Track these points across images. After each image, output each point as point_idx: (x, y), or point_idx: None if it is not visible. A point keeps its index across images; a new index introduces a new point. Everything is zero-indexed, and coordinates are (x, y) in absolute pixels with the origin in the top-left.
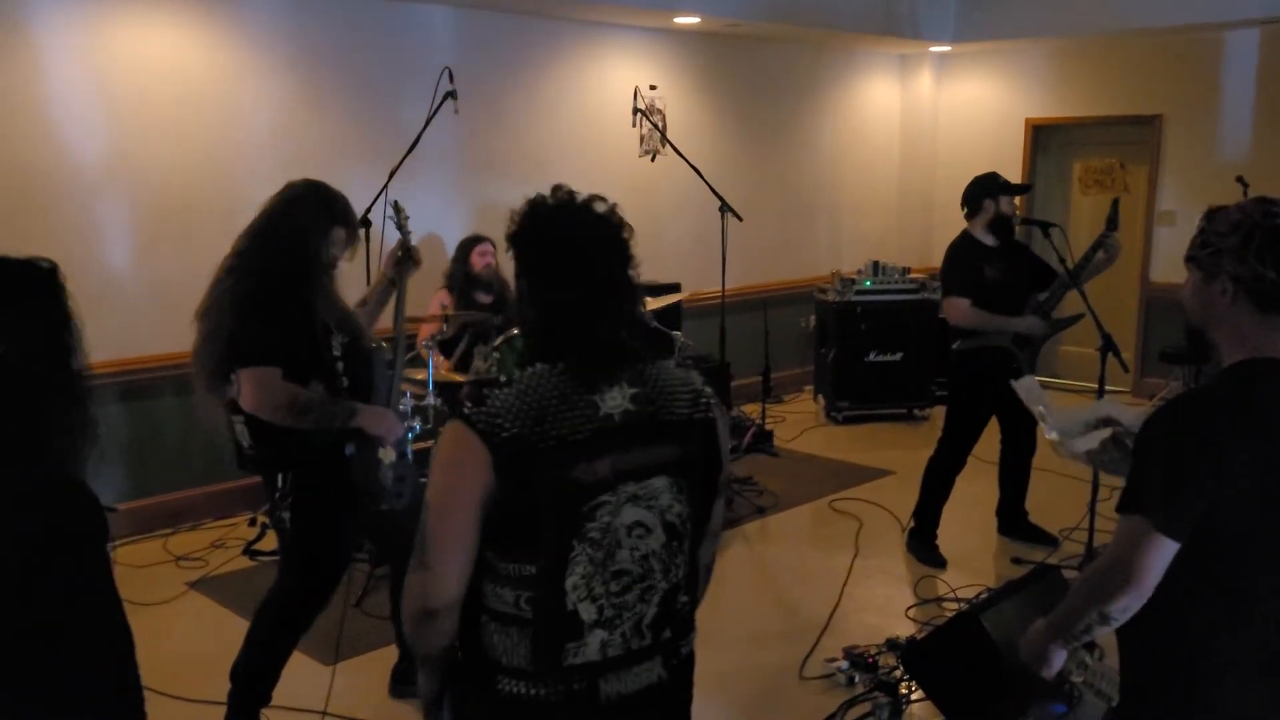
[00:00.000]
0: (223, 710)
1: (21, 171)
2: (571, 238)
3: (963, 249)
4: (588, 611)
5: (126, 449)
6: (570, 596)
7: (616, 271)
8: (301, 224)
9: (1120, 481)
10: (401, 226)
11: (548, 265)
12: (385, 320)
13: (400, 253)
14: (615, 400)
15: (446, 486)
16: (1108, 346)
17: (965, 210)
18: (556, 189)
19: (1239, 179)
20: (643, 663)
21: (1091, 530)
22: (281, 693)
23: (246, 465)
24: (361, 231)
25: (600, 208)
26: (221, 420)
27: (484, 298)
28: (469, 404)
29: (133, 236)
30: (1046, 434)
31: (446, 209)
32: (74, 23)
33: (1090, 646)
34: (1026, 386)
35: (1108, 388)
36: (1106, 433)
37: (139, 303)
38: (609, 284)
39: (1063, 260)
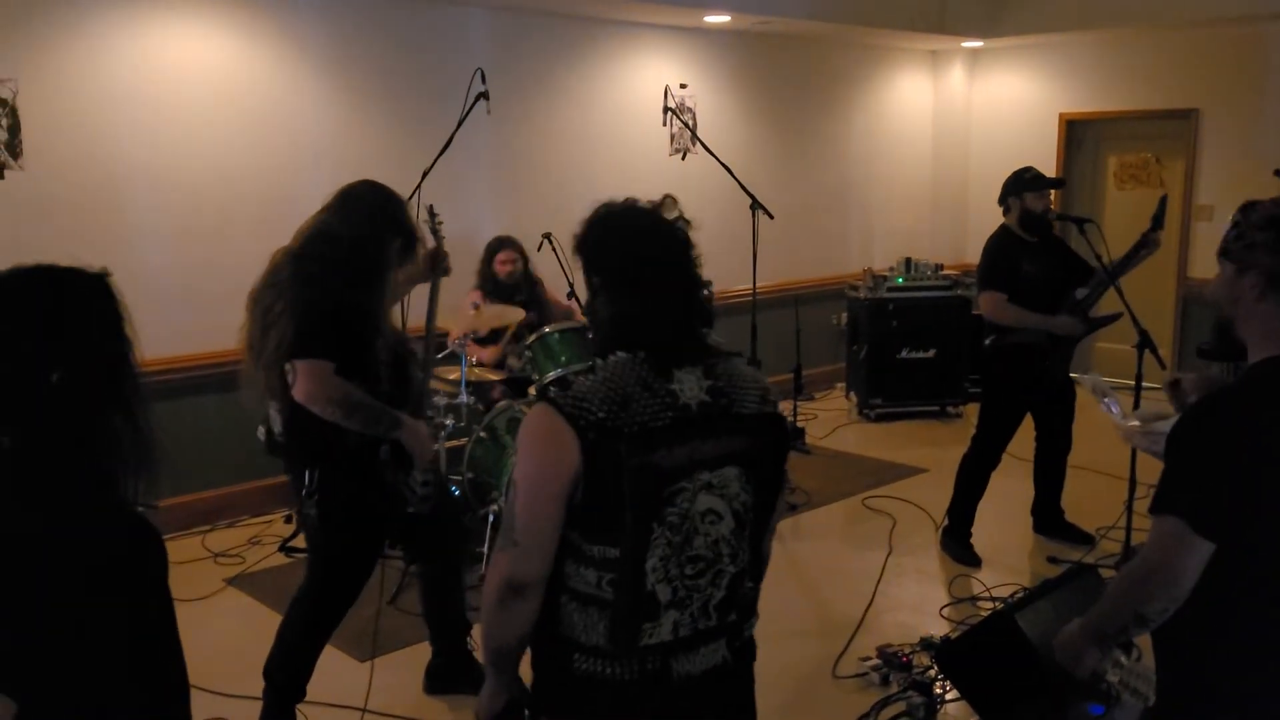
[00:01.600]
0: (259, 706)
1: (58, 174)
2: (643, 236)
3: (1000, 243)
4: (664, 593)
5: (165, 447)
6: (650, 578)
7: (685, 266)
8: (365, 230)
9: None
10: (436, 231)
11: (622, 261)
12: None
13: (433, 257)
14: (692, 391)
15: (536, 467)
16: (1144, 343)
17: (1003, 207)
18: (625, 200)
19: (1277, 172)
20: (709, 643)
21: (1129, 529)
22: (318, 689)
23: (275, 451)
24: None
25: (669, 215)
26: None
27: (516, 302)
28: (554, 389)
29: (169, 237)
30: (1114, 420)
31: (479, 209)
32: (113, 26)
33: (1128, 646)
34: (1091, 381)
35: (1145, 384)
36: (1166, 425)
37: (176, 302)
38: (679, 278)
39: (1098, 256)
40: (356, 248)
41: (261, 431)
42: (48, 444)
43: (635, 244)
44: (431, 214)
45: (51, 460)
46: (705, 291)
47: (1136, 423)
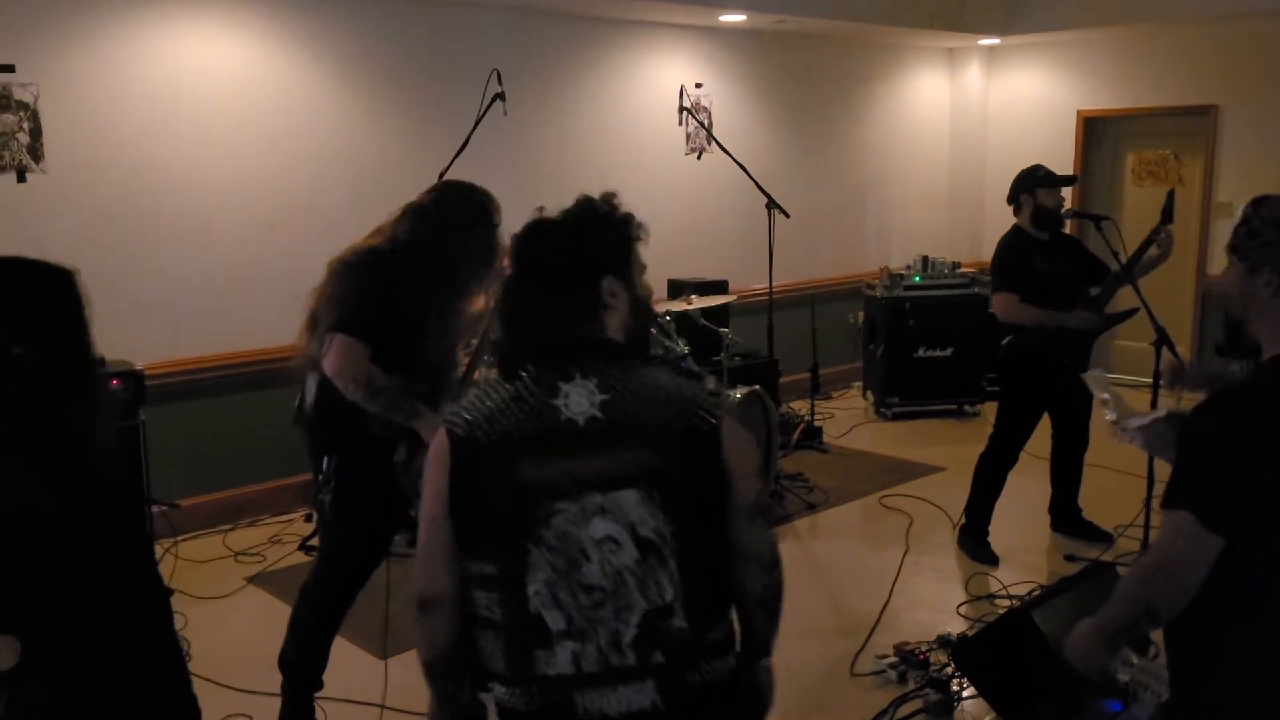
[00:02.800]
0: (280, 703)
1: (79, 177)
2: (535, 236)
3: (1013, 243)
4: (554, 619)
5: (187, 447)
6: (533, 601)
7: (577, 270)
8: (455, 242)
9: None
10: None
11: (514, 264)
12: None
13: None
14: (580, 405)
15: (426, 480)
16: (1162, 340)
17: (1012, 207)
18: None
19: None
20: (629, 683)
21: (1147, 527)
22: (338, 686)
23: (300, 423)
24: None
25: (598, 204)
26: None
27: None
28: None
29: (190, 239)
30: (1106, 415)
31: None
32: (133, 30)
33: (1144, 645)
34: (1095, 377)
35: (1163, 382)
36: (1162, 412)
37: (196, 303)
38: (554, 285)
39: (1115, 253)
40: (441, 254)
41: (297, 399)
42: (16, 422)
43: (525, 246)
44: None
45: (23, 442)
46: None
47: (1112, 416)
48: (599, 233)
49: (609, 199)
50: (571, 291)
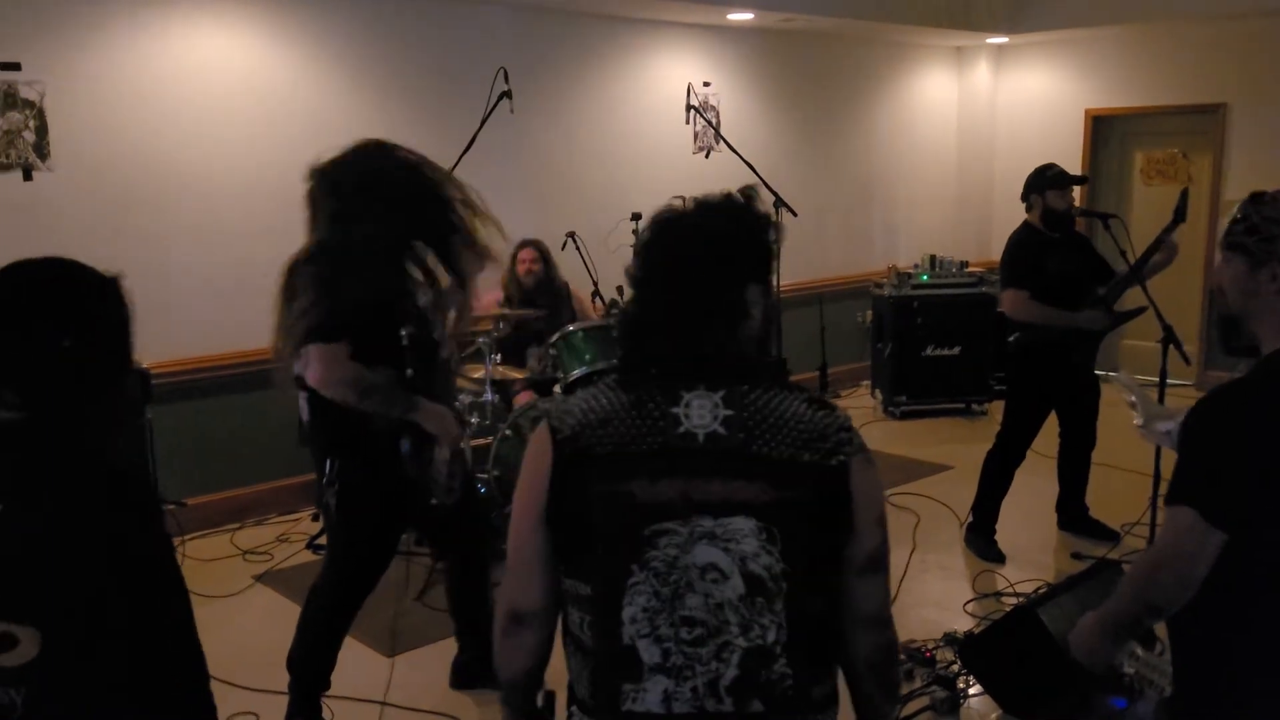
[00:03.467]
0: (287, 701)
1: (85, 175)
2: (672, 237)
3: (1022, 241)
4: (649, 652)
5: (194, 446)
6: (627, 629)
7: (716, 276)
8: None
9: None
10: None
11: (645, 260)
12: None
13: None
14: (703, 419)
15: (523, 486)
16: (1169, 339)
17: (1025, 204)
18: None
19: None
20: None
21: (1153, 525)
22: (344, 683)
23: (305, 441)
24: None
25: (734, 203)
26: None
27: (537, 308)
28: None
29: (196, 236)
30: (1134, 419)
31: (502, 209)
32: (139, 27)
33: (1150, 640)
34: (1122, 380)
35: (1170, 381)
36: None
37: (203, 301)
38: (695, 290)
39: (1123, 252)
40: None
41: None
42: (56, 415)
43: (663, 243)
44: None
45: (58, 436)
46: (766, 304)
47: (1140, 420)
48: (743, 234)
49: (750, 195)
50: (714, 299)
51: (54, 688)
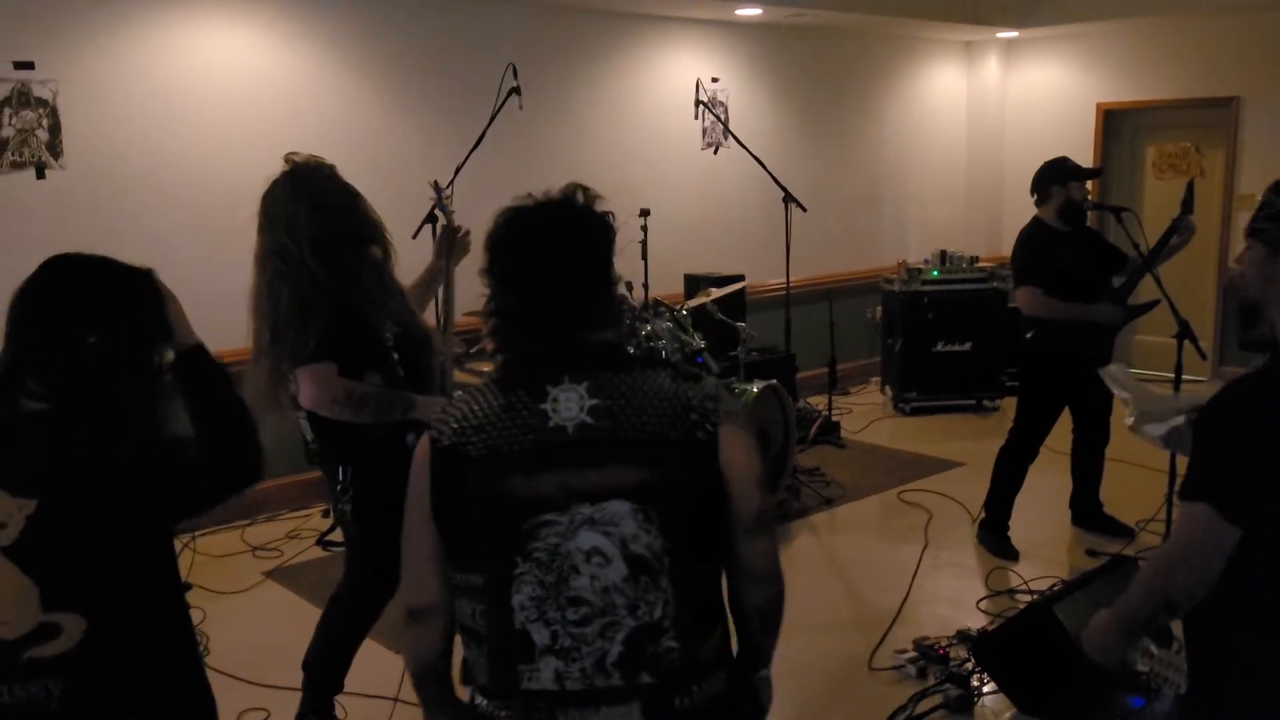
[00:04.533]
0: (298, 696)
1: (98, 173)
2: (522, 235)
3: (1034, 236)
4: (540, 635)
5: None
6: (518, 615)
7: (572, 271)
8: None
9: None
10: (444, 207)
11: (500, 257)
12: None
13: (445, 237)
14: (570, 411)
15: (409, 486)
16: (1184, 333)
17: (1035, 197)
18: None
19: None
20: (613, 705)
21: (1168, 521)
22: (356, 680)
23: (313, 460)
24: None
25: (575, 202)
26: (286, 417)
27: None
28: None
29: (208, 234)
30: (1125, 419)
31: None
32: (151, 26)
33: (1166, 637)
34: (1113, 373)
35: (1185, 376)
36: (1180, 419)
37: (214, 298)
38: (557, 283)
39: (1136, 245)
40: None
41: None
42: (80, 406)
43: (515, 238)
44: (437, 190)
45: (85, 425)
46: (617, 290)
47: (1131, 420)
48: (596, 225)
49: (585, 190)
50: (582, 291)
51: (92, 676)
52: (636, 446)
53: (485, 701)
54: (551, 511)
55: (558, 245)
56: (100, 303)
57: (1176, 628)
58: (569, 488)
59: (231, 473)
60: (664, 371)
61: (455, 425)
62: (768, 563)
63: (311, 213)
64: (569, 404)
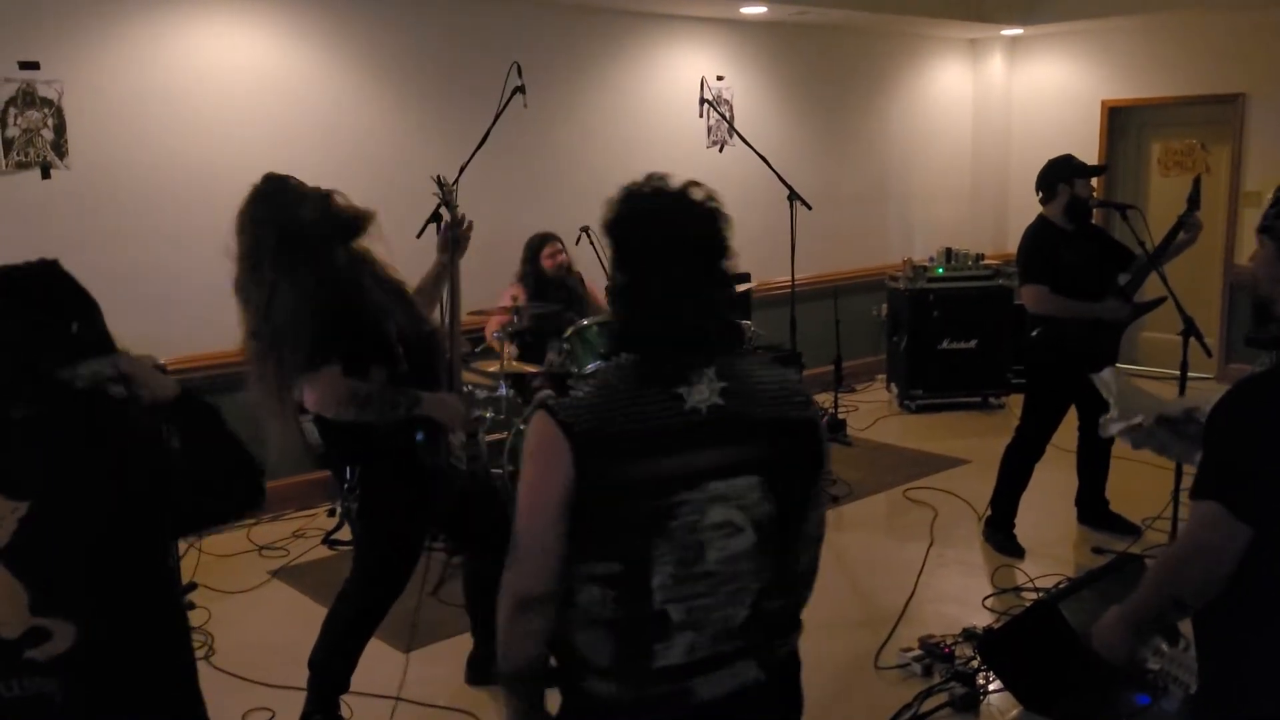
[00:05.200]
0: (304, 696)
1: (103, 173)
2: (657, 223)
3: (1039, 234)
4: (676, 613)
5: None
6: (657, 596)
7: (703, 259)
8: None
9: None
10: (449, 203)
11: (633, 252)
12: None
13: (450, 232)
14: (702, 394)
15: (534, 477)
16: (1190, 331)
17: (1040, 195)
18: (650, 177)
19: None
20: (735, 664)
21: (1175, 519)
22: (359, 679)
23: (321, 462)
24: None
25: (696, 194)
26: (289, 422)
27: (557, 298)
28: (553, 396)
29: (213, 234)
30: (1101, 419)
31: (516, 204)
32: (156, 26)
33: (1174, 636)
34: (1104, 379)
35: (1191, 374)
36: (1139, 418)
37: (219, 298)
38: (694, 271)
39: (1141, 243)
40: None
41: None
42: (72, 405)
43: (646, 233)
44: (440, 185)
45: (78, 428)
46: (737, 281)
47: (1103, 417)
48: (719, 213)
49: (691, 181)
50: (715, 279)
51: (88, 678)
52: (764, 425)
53: (607, 685)
54: (687, 490)
55: (696, 234)
56: (76, 296)
57: (1184, 627)
58: (702, 467)
59: (233, 506)
60: (758, 357)
61: (589, 408)
62: (822, 528)
63: (285, 225)
64: (701, 387)
